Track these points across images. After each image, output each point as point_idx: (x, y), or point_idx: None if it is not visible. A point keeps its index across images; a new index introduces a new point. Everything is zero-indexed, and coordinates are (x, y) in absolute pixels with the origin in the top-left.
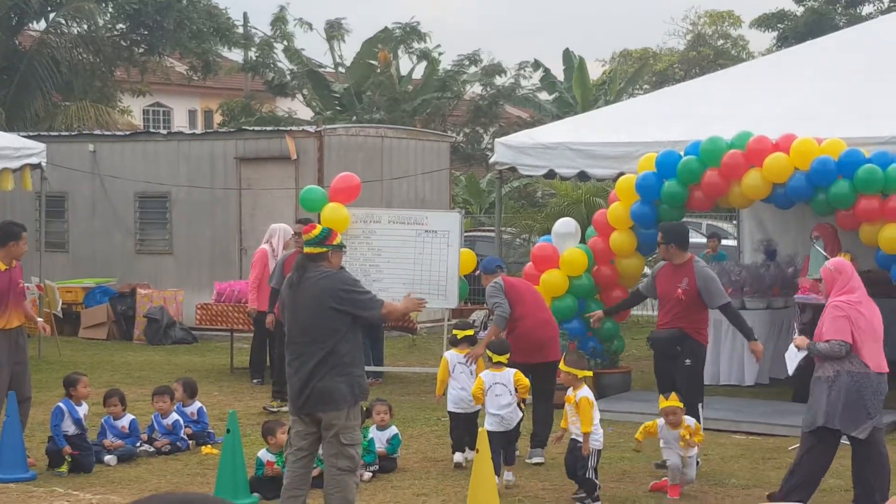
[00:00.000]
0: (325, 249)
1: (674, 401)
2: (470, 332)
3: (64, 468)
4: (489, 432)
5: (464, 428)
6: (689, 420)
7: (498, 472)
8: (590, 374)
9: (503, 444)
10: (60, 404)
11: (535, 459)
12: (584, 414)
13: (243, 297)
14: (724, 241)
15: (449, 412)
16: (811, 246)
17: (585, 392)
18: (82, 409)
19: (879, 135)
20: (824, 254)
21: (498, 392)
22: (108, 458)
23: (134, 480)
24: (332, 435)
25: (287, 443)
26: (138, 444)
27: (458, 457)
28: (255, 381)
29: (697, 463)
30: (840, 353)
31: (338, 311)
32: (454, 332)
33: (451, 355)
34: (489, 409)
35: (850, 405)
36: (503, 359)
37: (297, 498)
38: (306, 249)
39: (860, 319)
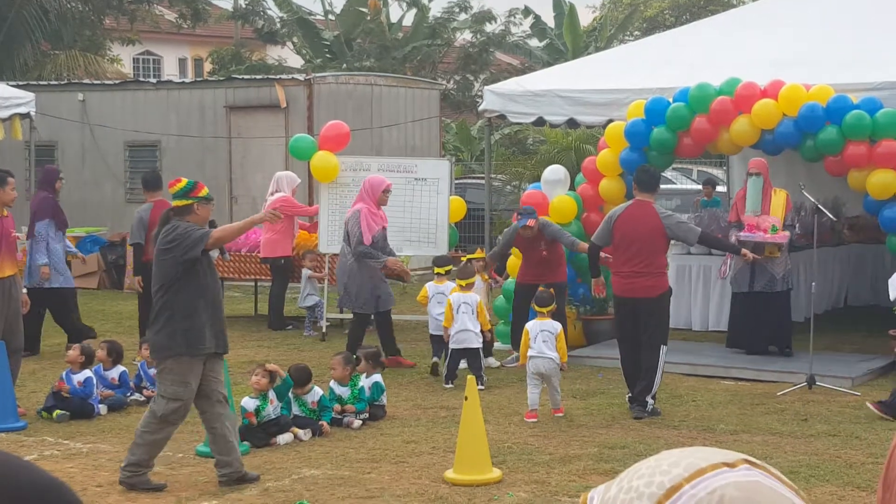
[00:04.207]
0: (190, 202)
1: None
2: (443, 270)
3: (55, 414)
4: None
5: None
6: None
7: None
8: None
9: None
10: (62, 375)
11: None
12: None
13: (233, 245)
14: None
15: (430, 335)
16: (751, 181)
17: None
18: (78, 376)
19: (867, 81)
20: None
21: (464, 310)
22: (98, 406)
23: (124, 429)
24: (157, 381)
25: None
26: (128, 395)
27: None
28: (288, 327)
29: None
30: None
31: (164, 261)
32: (434, 269)
33: (430, 286)
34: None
35: None
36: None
37: (217, 438)
38: (173, 202)
39: None
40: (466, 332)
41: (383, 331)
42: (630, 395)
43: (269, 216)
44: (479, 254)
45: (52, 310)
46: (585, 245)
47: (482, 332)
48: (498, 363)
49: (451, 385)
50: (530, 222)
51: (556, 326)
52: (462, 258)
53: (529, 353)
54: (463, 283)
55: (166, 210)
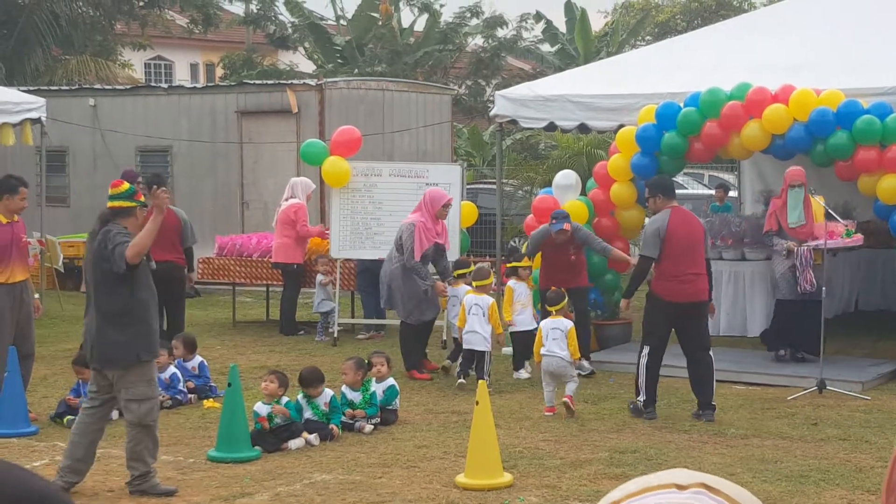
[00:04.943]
0: (134, 204)
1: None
2: (458, 273)
3: (66, 420)
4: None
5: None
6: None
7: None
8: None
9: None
10: (75, 386)
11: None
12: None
13: (245, 250)
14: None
15: (453, 338)
16: (793, 193)
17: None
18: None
19: (878, 85)
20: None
21: (475, 312)
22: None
23: None
24: (118, 390)
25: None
26: None
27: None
28: (300, 332)
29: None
30: None
31: (104, 271)
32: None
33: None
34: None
35: None
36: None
37: (78, 445)
38: (112, 204)
39: None
40: (473, 333)
41: (417, 339)
42: (644, 399)
43: (158, 211)
44: (525, 262)
45: None
46: (618, 252)
47: (495, 335)
48: (529, 374)
49: (464, 380)
50: (567, 226)
51: (566, 324)
52: (508, 265)
53: (542, 351)
54: (476, 284)
55: (104, 211)
